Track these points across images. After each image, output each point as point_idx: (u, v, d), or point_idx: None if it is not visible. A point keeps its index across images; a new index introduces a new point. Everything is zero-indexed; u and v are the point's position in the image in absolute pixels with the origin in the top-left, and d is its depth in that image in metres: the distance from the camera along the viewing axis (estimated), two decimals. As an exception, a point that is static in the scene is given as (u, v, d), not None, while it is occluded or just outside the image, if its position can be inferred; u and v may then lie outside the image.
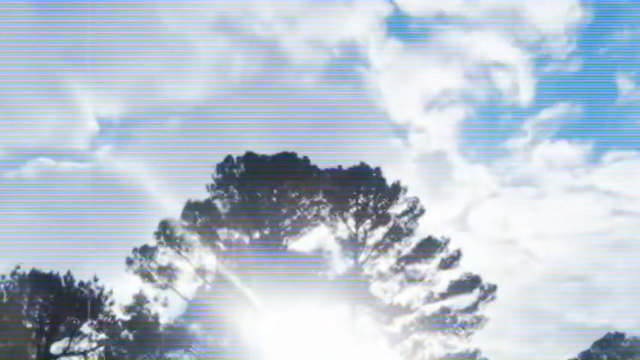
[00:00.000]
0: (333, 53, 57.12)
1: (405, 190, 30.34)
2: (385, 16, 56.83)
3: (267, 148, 31.55)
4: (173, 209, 30.17)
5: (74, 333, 29.77)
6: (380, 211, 30.01)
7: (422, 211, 30.33)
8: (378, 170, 30.12)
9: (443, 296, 29.79)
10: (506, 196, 58.50)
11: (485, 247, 51.51)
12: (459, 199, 55.10)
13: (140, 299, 28.90)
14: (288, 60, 57.13)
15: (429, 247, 30.18)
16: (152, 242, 29.49)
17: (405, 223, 30.11)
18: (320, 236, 30.28)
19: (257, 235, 29.60)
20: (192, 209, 29.59)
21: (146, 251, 29.40)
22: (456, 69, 59.21)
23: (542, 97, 59.42)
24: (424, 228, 30.29)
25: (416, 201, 30.22)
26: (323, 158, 31.36)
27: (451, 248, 30.53)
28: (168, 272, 29.42)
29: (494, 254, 52.19)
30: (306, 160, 30.03)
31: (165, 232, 29.49)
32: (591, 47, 58.42)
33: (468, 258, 30.92)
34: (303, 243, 29.99)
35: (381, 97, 59.00)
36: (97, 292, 30.07)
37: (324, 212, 30.07)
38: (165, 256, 29.53)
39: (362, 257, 29.84)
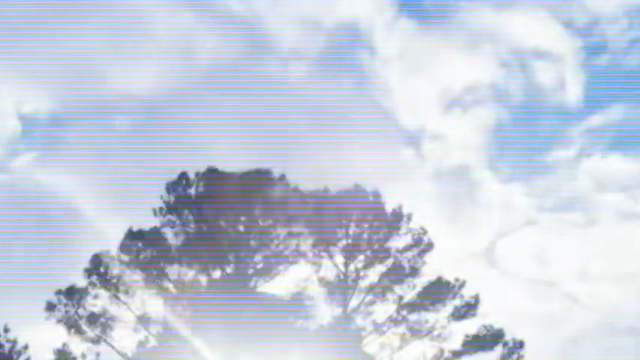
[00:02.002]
0: (329, 37, 53.59)
1: (409, 218, 29.22)
2: (395, -12, 53.33)
3: (236, 161, 32.58)
4: (111, 239, 29.29)
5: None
6: (376, 245, 29.11)
7: (430, 246, 29.12)
8: (375, 193, 29.10)
9: (456, 355, 28.67)
10: (545, 224, 53.40)
11: (518, 290, 48.06)
12: (485, 227, 51.50)
13: (64, 356, 27.65)
14: (271, 46, 53.51)
15: (438, 291, 28.82)
16: (81, 282, 28.48)
17: (409, 261, 29.05)
18: (300, 276, 29.46)
19: (218, 274, 28.70)
20: (135, 240, 28.44)
21: (73, 293, 28.21)
22: (485, 59, 54.10)
23: (594, 97, 53.48)
24: (434, 266, 29.36)
25: (422, 232, 29.09)
26: (308, 177, 30.66)
27: (467, 293, 29.22)
28: (101, 321, 28.24)
29: (528, 299, 48.39)
30: (283, 178, 29.04)
31: (98, 268, 28.41)
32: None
33: (495, 303, 29.95)
34: (278, 285, 29.18)
35: (388, 94, 54.92)
36: (7, 346, 28.79)
37: (306, 246, 29.26)
38: (97, 300, 28.41)
39: (353, 303, 28.85)
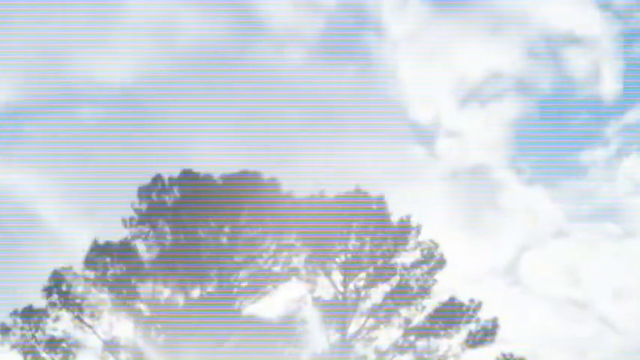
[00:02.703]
0: (329, 18, 49.90)
1: (419, 229, 28.21)
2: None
3: (220, 162, 31.15)
4: (76, 252, 28.20)
5: None
6: (380, 261, 28.03)
7: (442, 262, 28.10)
8: (379, 200, 28.05)
9: (471, 388, 28.22)
10: (577, 235, 49.20)
11: (544, 311, 44.85)
12: (508, 238, 47.51)
13: (19, 386, 26.58)
14: (263, 28, 49.90)
15: (451, 314, 27.74)
16: (40, 302, 27.34)
17: (417, 279, 28.07)
18: (291, 296, 28.35)
19: (197, 293, 27.61)
20: (102, 253, 27.41)
21: (31, 315, 27.10)
22: (509, 45, 50.17)
23: (633, 89, 49.14)
24: (446, 285, 28.33)
25: (433, 246, 28.11)
26: (302, 180, 29.99)
27: (485, 316, 28.11)
28: (62, 347, 27.18)
29: (556, 321, 45.06)
30: (274, 182, 28.05)
31: (59, 287, 27.25)
32: None
33: (517, 327, 29.45)
34: (266, 306, 28.19)
35: (397, 83, 50.87)
36: (-47, 375, 28.44)
37: (298, 261, 28.18)
38: (59, 322, 27.29)
39: (353, 328, 27.92)
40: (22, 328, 26.74)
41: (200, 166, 27.94)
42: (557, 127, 50.16)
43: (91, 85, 44.96)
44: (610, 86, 48.79)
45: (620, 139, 50.24)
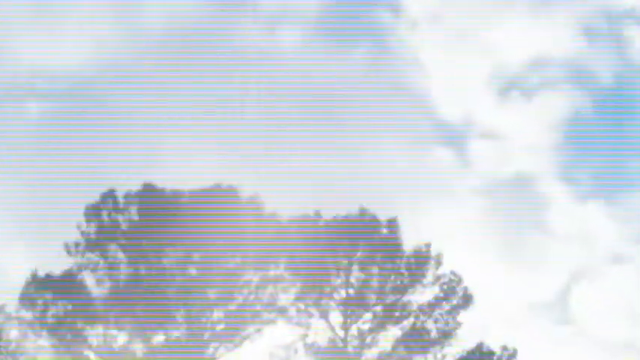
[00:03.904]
0: None
1: (439, 260, 26.95)
2: None
3: (190, 175, 29.29)
4: (9, 287, 26.96)
5: None
6: (390, 298, 26.77)
7: (467, 300, 26.90)
8: (390, 223, 26.85)
9: None
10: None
11: (599, 356, 40.76)
12: (555, 265, 43.49)
13: None
14: (251, 4, 47.28)
15: None
16: None
17: (436, 321, 26.83)
18: (278, 343, 27.05)
19: (160, 338, 26.24)
20: (41, 289, 26.04)
21: None
22: (559, 24, 46.92)
23: None
24: (474, 326, 27.00)
25: (456, 281, 26.87)
26: (294, 196, 29.36)
27: None
28: None
29: None
30: (255, 200, 26.58)
31: None
32: None
33: None
34: (247, 354, 26.83)
35: (418, 71, 47.68)
36: None
37: (287, 298, 26.84)
38: None
39: None
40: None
41: (164, 180, 26.75)
42: (620, 127, 45.87)
43: (38, 78, 43.19)
44: None
45: None
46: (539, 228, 44.55)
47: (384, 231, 26.95)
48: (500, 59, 46.71)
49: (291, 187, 33.30)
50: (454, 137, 47.16)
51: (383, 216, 26.92)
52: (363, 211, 26.86)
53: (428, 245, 26.97)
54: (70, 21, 43.60)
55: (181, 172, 31.71)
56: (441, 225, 35.96)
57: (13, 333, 26.29)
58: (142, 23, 45.41)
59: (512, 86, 47.12)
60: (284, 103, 42.67)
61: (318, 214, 27.15)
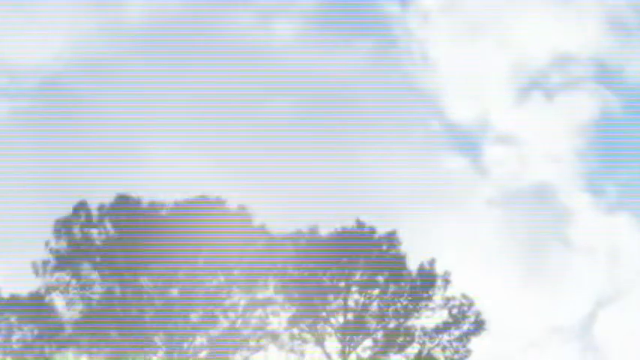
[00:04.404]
0: None
1: (447, 280, 25.84)
2: None
3: (172, 186, 27.83)
4: None
5: None
6: (393, 323, 25.71)
7: (479, 324, 25.69)
8: (391, 237, 25.78)
9: None
10: None
11: None
12: (581, 286, 42.61)
13: None
14: None
15: None
16: None
17: (444, 348, 25.64)
18: None
19: None
20: (4, 312, 25.45)
21: None
22: (587, 16, 45.91)
23: None
24: (489, 354, 26.39)
25: (467, 304, 25.67)
26: (287, 209, 28.70)
27: None
28: None
29: None
30: (243, 212, 25.74)
31: None
32: None
33: None
34: None
35: (428, 67, 46.96)
36: None
37: (279, 322, 25.84)
38: None
39: None
40: None
41: (144, 191, 25.80)
42: None
43: (9, 73, 41.51)
44: None
45: None
46: (561, 243, 42.70)
47: (384, 247, 25.89)
48: (519, 56, 45.45)
49: (284, 199, 32.15)
50: (467, 142, 46.16)
51: (382, 230, 25.71)
52: (360, 226, 25.82)
53: (432, 263, 25.80)
54: (41, 14, 42.14)
55: (164, 183, 30.76)
56: (452, 240, 34.73)
57: None
58: (122, 17, 43.96)
59: (532, 85, 45.70)
60: (278, 105, 41.47)
61: (313, 229, 25.99)
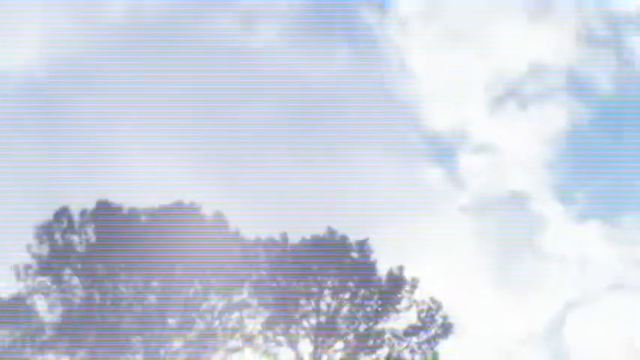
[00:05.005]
0: None
1: (415, 285, 26.78)
2: None
3: (150, 192, 28.11)
4: None
5: None
6: (363, 327, 26.48)
7: (446, 329, 26.52)
8: (362, 245, 26.66)
9: None
10: None
11: None
12: (550, 291, 43.08)
13: None
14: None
15: None
16: None
17: (413, 352, 26.44)
18: None
19: None
20: None
21: None
22: (559, 28, 46.63)
23: None
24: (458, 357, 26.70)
25: (434, 308, 26.55)
26: (260, 216, 28.94)
27: None
28: None
29: None
30: (219, 218, 26.39)
31: None
32: None
33: None
34: None
35: (406, 76, 47.16)
36: None
37: (254, 325, 26.52)
38: None
39: None
40: None
41: (123, 195, 26.26)
42: (622, 141, 44.71)
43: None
44: None
45: None
46: (532, 250, 43.47)
47: (355, 254, 26.59)
48: (496, 66, 45.91)
49: (260, 206, 32.77)
50: (443, 150, 46.31)
51: (352, 239, 26.40)
52: (331, 234, 26.56)
53: (401, 268, 26.63)
54: (21, 15, 41.57)
55: (141, 187, 31.02)
56: (426, 247, 35.19)
57: None
58: (102, 18, 43.46)
59: (508, 95, 46.35)
60: (255, 111, 41.31)
61: (285, 236, 26.74)
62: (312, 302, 27.05)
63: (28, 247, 26.00)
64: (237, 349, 26.80)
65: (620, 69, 45.63)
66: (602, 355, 38.94)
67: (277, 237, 27.40)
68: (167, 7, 43.15)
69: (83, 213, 26.35)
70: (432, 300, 26.98)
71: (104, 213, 26.10)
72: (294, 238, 27.61)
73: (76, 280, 26.57)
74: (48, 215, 26.54)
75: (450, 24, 46.62)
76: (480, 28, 46.68)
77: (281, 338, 27.00)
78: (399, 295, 26.94)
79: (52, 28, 41.52)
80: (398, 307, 26.99)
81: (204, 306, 26.58)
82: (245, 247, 26.64)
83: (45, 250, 26.57)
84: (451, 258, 36.10)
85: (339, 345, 26.44)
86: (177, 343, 26.38)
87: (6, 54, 40.12)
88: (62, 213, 26.21)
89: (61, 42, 41.96)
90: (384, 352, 26.49)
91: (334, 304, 27.06)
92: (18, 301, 26.45)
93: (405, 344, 27.03)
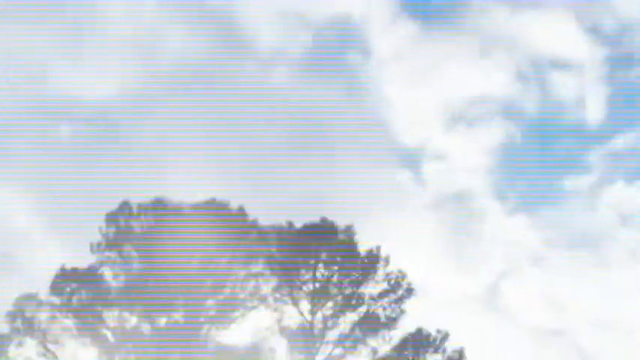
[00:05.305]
0: (315, 36, 54.71)
1: (387, 260, 30.96)
2: (396, -15, 54.18)
3: (191, 188, 32.78)
4: (44, 275, 30.36)
5: None
6: (348, 291, 30.53)
7: (410, 292, 30.92)
8: (348, 230, 30.83)
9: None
10: (557, 263, 53.59)
11: (522, 338, 47.87)
12: (489, 264, 51.70)
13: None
14: (249, 45, 54.17)
15: (418, 344, 30.43)
16: (4, 327, 29.53)
17: (385, 309, 30.60)
18: (259, 324, 30.65)
19: (164, 321, 29.78)
20: (67, 280, 29.68)
21: None
22: (497, 68, 55.56)
23: (619, 115, 54.53)
24: (421, 313, 31.13)
25: (401, 277, 30.79)
26: (275, 207, 32.94)
27: (452, 346, 30.84)
28: None
29: (533, 349, 47.82)
30: (242, 212, 30.53)
31: (23, 313, 29.46)
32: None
33: (492, 354, 32.48)
34: (234, 334, 30.35)
35: (383, 103, 56.07)
36: None
37: (266, 289, 30.59)
38: (21, 348, 29.47)
39: (320, 358, 30.19)
40: (-16, 353, 29.10)
41: (170, 192, 30.56)
42: (541, 153, 54.50)
43: (70, 103, 48.78)
44: (595, 112, 54.06)
45: (604, 167, 55.03)
46: (476, 235, 52.78)
47: (342, 237, 30.45)
48: (450, 96, 55.46)
49: (272, 200, 38.88)
50: (410, 159, 55.40)
51: (341, 225, 30.52)
52: (324, 221, 30.43)
53: (378, 248, 30.54)
54: (97, 55, 49.68)
55: (184, 187, 36.40)
56: (398, 233, 40.57)
57: (44, 315, 29.37)
58: (157, 60, 51.73)
59: (458, 119, 55.63)
60: (270, 130, 49.24)
61: (291, 224, 30.80)
62: (310, 272, 30.36)
63: (100, 229, 30.07)
64: (253, 307, 30.37)
65: (542, 98, 54.91)
66: (526, 308, 48.33)
67: (284, 223, 30.88)
68: (209, 54, 51.75)
69: (140, 205, 30.33)
70: (400, 271, 30.74)
71: (157, 205, 30.07)
72: (297, 224, 31.05)
73: (134, 255, 30.29)
74: (114, 206, 30.21)
75: (416, 64, 56.40)
76: (437, 67, 55.96)
77: (287, 299, 30.45)
78: (375, 267, 30.42)
79: (120, 65, 49.31)
80: (374, 276, 30.47)
81: (230, 275, 30.13)
82: (260, 231, 30.45)
83: (112, 231, 30.15)
84: (415, 240, 44.24)
85: (330, 304, 30.34)
86: (210, 302, 30.08)
87: (87, 84, 47.40)
88: (124, 205, 30.35)
89: (127, 76, 49.89)
90: (363, 309, 30.48)
91: (326, 273, 30.48)
92: (91, 270, 30.00)
93: (379, 303, 30.60)
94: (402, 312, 30.79)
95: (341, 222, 31.13)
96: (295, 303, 30.52)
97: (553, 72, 54.80)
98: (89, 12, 49.76)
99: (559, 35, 53.92)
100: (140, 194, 30.42)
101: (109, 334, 29.65)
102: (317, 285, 30.47)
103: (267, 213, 31.36)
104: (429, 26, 56.48)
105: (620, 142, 55.01)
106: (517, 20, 54.99)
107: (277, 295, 30.56)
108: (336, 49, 53.56)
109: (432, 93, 56.50)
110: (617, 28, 53.69)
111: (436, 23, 56.23)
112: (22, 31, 47.03)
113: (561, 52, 54.76)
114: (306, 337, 30.16)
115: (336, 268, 30.55)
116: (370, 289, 30.74)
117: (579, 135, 55.69)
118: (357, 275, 30.64)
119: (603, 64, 54.83)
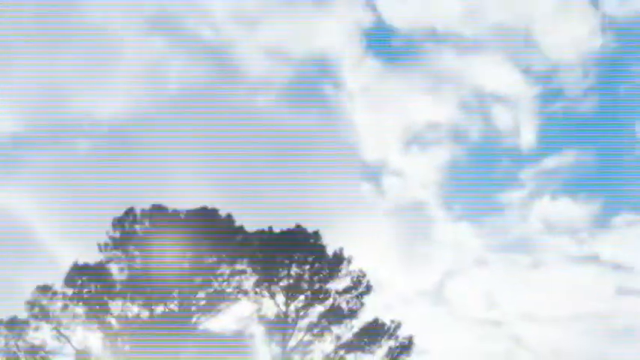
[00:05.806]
0: (297, 69, 61.00)
1: (350, 260, 34.30)
2: (365, 28, 60.94)
3: (187, 196, 37.06)
4: (60, 269, 33.58)
5: None
6: (317, 286, 33.54)
7: (368, 288, 34.28)
8: (316, 235, 33.96)
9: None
10: (494, 264, 60.81)
11: (464, 328, 53.85)
12: (437, 264, 57.70)
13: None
14: (239, 74, 60.31)
15: (374, 332, 33.56)
16: (23, 314, 32.50)
17: (347, 302, 33.70)
18: (241, 314, 33.50)
19: (160, 309, 32.73)
20: (79, 274, 32.83)
21: (14, 325, 32.20)
22: (446, 100, 62.43)
23: (547, 140, 62.62)
24: (379, 305, 34.54)
25: (361, 275, 34.12)
26: (256, 215, 35.31)
27: (403, 334, 34.21)
28: (41, 354, 32.31)
29: (474, 338, 54.42)
30: (229, 218, 33.69)
31: (41, 301, 32.37)
32: (611, 84, 60.88)
33: (439, 343, 36.22)
34: (220, 322, 33.16)
35: (351, 127, 61.95)
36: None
37: (248, 284, 33.53)
38: (38, 332, 32.42)
39: (292, 342, 33.06)
40: (6, 336, 32.02)
41: (169, 200, 33.34)
42: (482, 171, 61.92)
43: (86, 120, 54.13)
44: (527, 138, 61.45)
45: (533, 183, 62.29)
46: (427, 239, 58.82)
47: (312, 241, 33.28)
48: (407, 122, 61.84)
49: (255, 208, 43.45)
50: (372, 174, 61.31)
51: (310, 230, 33.51)
52: (297, 227, 33.33)
53: (342, 250, 33.73)
54: (110, 81, 54.69)
55: (180, 195, 40.40)
56: (361, 237, 44.91)
57: (58, 304, 32.25)
58: (161, 85, 57.25)
59: (414, 140, 62.50)
60: (255, 149, 54.36)
61: (271, 229, 33.61)
62: (285, 270, 32.97)
63: (107, 232, 33.09)
64: (237, 299, 32.98)
65: (483, 126, 62.00)
66: (468, 302, 53.98)
67: (266, 229, 33.51)
68: (206, 82, 57.28)
69: (142, 211, 33.13)
70: (361, 270, 33.81)
71: (157, 211, 32.97)
72: (276, 229, 33.77)
73: (137, 254, 32.97)
74: (121, 211, 33.20)
75: (378, 95, 62.60)
76: (396, 98, 62.54)
77: (265, 292, 33.02)
78: (340, 267, 33.43)
79: (130, 89, 54.79)
80: (339, 274, 33.43)
81: (218, 272, 32.99)
82: (245, 235, 33.22)
83: (118, 233, 32.99)
84: (375, 243, 49.20)
85: (301, 297, 33.07)
86: (200, 294, 32.61)
87: (101, 105, 52.84)
88: (130, 211, 33.06)
89: (136, 99, 55.22)
90: (329, 302, 33.35)
91: (299, 271, 33.13)
92: (100, 266, 32.76)
93: (343, 297, 33.49)
94: (362, 305, 33.84)
95: (313, 227, 34.18)
96: (272, 296, 33.13)
97: (493, 104, 61.67)
98: (106, 42, 55.52)
99: (498, 74, 61.37)
100: (143, 201, 33.49)
101: (113, 321, 32.46)
102: (291, 281, 32.95)
103: (252, 219, 34.63)
104: (391, 64, 63.48)
105: (548, 163, 62.31)
106: (463, 61, 62.27)
107: (257, 290, 33.18)
108: (313, 80, 60.08)
109: (391, 119, 62.85)
110: (546, 69, 61.46)
111: (396, 62, 63.35)
112: (49, 59, 52.16)
113: (499, 88, 61.91)
114: (281, 325, 32.74)
115: (307, 267, 33.30)
116: (335, 285, 33.90)
117: (514, 156, 62.66)
118: (324, 273, 33.46)
119: (534, 99, 62.15)
